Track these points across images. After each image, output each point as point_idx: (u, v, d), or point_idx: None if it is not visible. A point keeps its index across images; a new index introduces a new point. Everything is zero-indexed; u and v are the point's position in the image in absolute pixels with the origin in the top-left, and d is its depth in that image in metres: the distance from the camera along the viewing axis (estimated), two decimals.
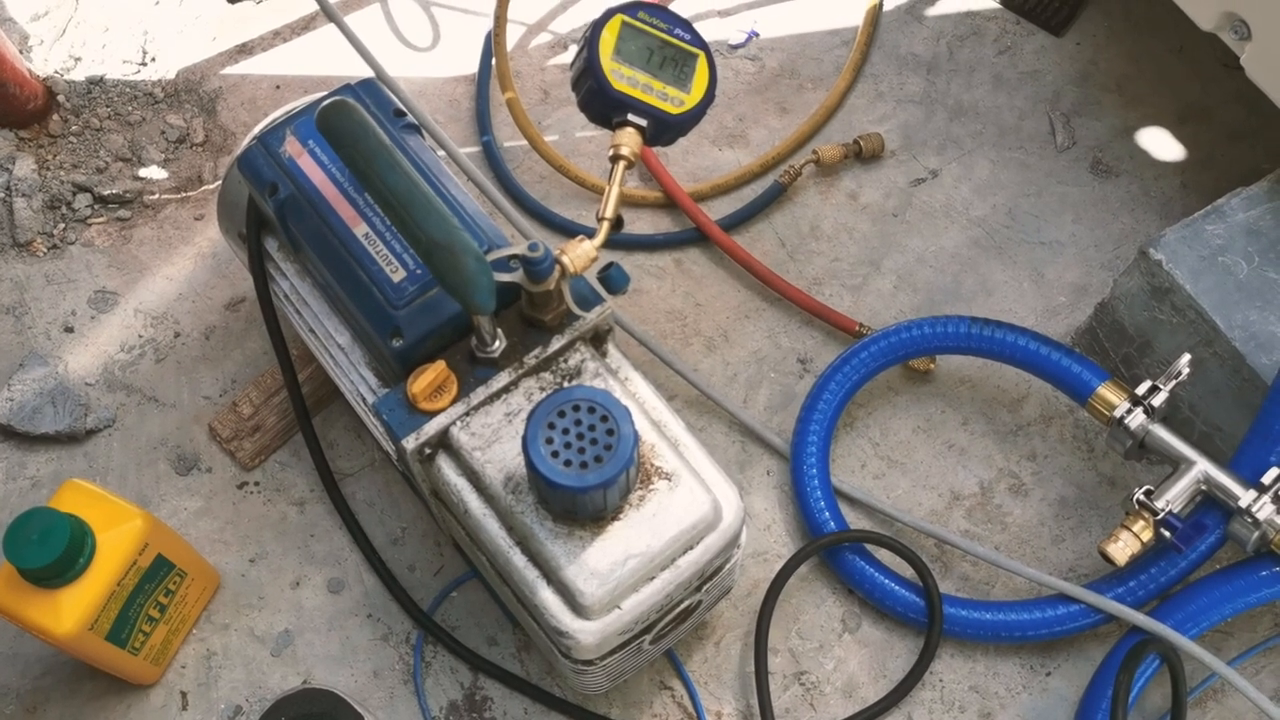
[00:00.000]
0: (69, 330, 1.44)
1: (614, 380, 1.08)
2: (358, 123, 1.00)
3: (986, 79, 1.62)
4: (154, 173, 1.56)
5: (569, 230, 1.51)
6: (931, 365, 1.39)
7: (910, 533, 1.31)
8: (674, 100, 1.13)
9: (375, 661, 1.25)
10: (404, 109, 1.20)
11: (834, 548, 1.27)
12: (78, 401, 1.37)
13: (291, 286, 1.22)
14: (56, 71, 1.62)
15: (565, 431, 0.95)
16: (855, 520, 1.32)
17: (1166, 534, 1.15)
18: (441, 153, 1.27)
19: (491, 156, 1.56)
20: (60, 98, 1.60)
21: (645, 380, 1.11)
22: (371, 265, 1.09)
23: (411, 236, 0.97)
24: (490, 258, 1.02)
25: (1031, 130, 1.59)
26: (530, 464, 0.95)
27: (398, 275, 1.09)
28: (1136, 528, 1.16)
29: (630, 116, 1.11)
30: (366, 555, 1.29)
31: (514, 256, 1.02)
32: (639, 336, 1.37)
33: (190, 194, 1.55)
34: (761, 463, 1.37)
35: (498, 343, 1.07)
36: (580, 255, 1.06)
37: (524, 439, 0.95)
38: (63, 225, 1.51)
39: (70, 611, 1.06)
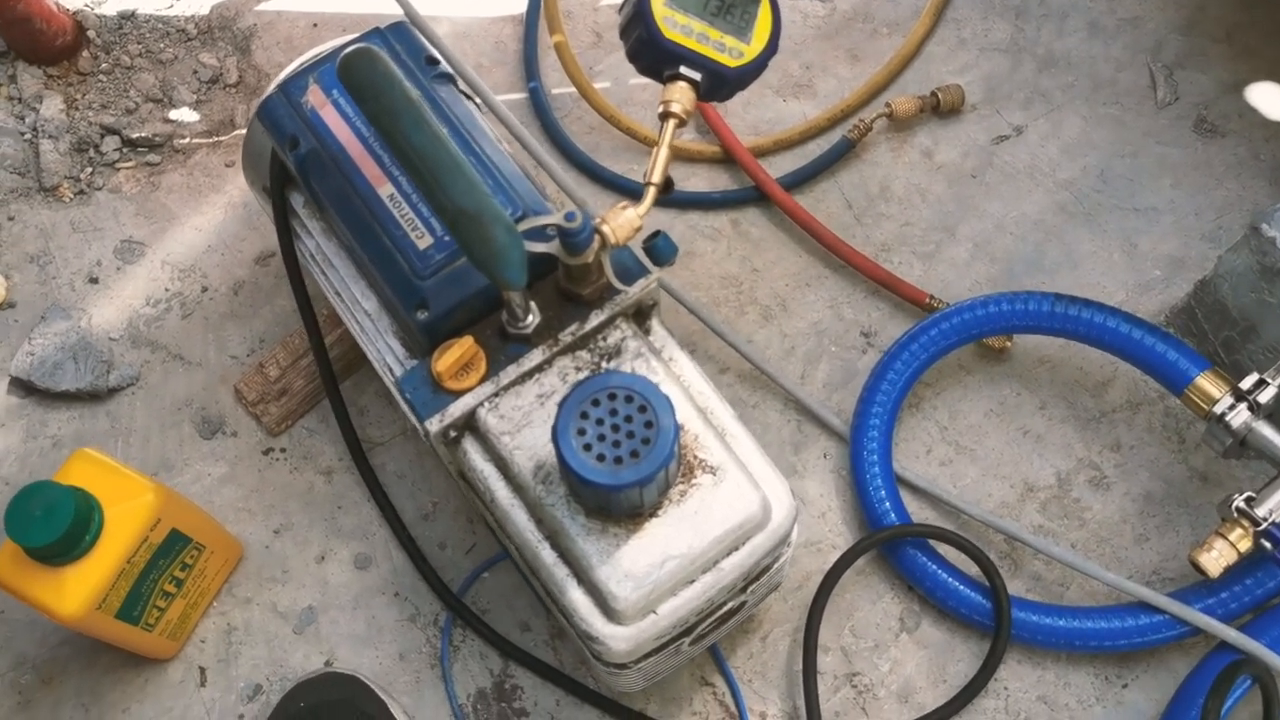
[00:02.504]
0: (94, 281, 1.38)
1: (657, 361, 0.99)
2: (382, 74, 0.90)
3: (1081, 25, 1.48)
4: (185, 115, 1.49)
5: (617, 187, 1.41)
6: (1008, 343, 1.27)
7: (977, 527, 1.21)
8: (732, 51, 1.01)
9: (402, 643, 1.19)
10: (437, 55, 1.09)
11: (893, 541, 1.17)
12: (100, 358, 1.31)
13: (317, 245, 1.13)
14: (87, 4, 1.54)
15: (600, 422, 0.86)
16: (918, 510, 1.22)
17: (1268, 545, 1.04)
18: (480, 103, 1.17)
19: (538, 104, 1.45)
20: (90, 33, 1.52)
21: (692, 361, 1.02)
22: (396, 230, 1.00)
23: (436, 202, 0.88)
24: (522, 227, 0.92)
25: (1129, 84, 1.44)
26: (561, 457, 0.86)
27: (424, 242, 1.00)
28: (1233, 536, 1.05)
29: (683, 70, 1.00)
30: (395, 531, 1.22)
31: (549, 226, 0.93)
32: (689, 304, 1.27)
33: (222, 138, 1.47)
34: (818, 444, 1.27)
35: (531, 317, 0.98)
36: (623, 225, 0.96)
37: (554, 429, 0.86)
38: (90, 169, 1.44)
39: (75, 591, 1.00)
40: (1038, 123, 1.42)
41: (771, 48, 1.03)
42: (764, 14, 1.03)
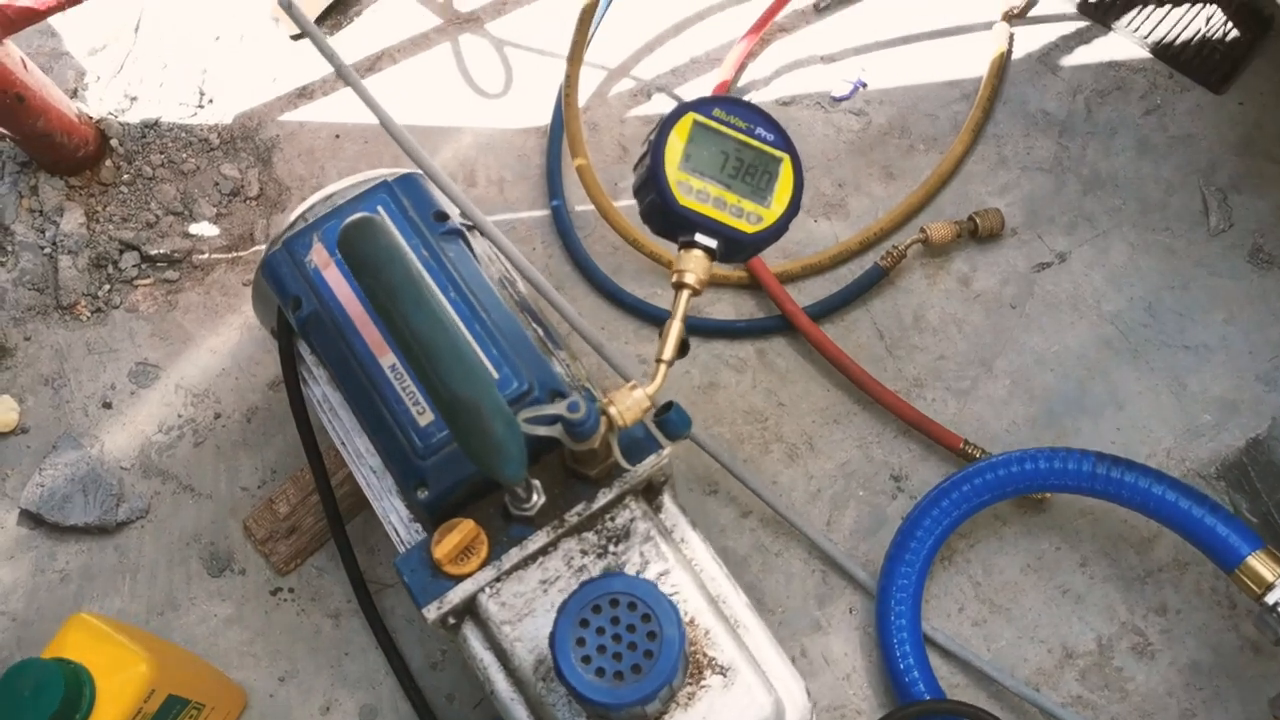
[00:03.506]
0: (107, 406, 1.36)
1: (667, 545, 0.94)
2: (383, 248, 0.86)
3: (1129, 144, 1.41)
4: (205, 229, 1.46)
5: (640, 312, 1.36)
6: (1047, 494, 1.21)
7: (1012, 696, 1.14)
8: (750, 216, 0.96)
9: None
10: (446, 211, 1.06)
11: None
12: (110, 491, 1.29)
13: (323, 394, 1.10)
14: (111, 113, 1.53)
15: (600, 631, 0.81)
16: (948, 675, 1.16)
17: None
18: (484, 241, 1.13)
19: (560, 223, 1.41)
20: (113, 142, 1.51)
21: (705, 544, 0.97)
22: (397, 405, 0.96)
23: (431, 388, 0.84)
24: (523, 417, 0.88)
25: (1180, 208, 1.37)
26: (559, 671, 0.81)
27: (425, 418, 0.96)
28: None
29: (698, 237, 0.95)
30: (401, 681, 1.18)
31: (552, 417, 0.88)
32: (710, 449, 1.22)
33: (241, 254, 1.45)
34: (844, 598, 1.21)
35: (535, 498, 0.93)
36: (631, 407, 0.91)
37: (551, 638, 0.81)
38: (108, 287, 1.43)
39: None
40: (1082, 249, 1.36)
41: (793, 209, 0.98)
42: (785, 175, 0.97)
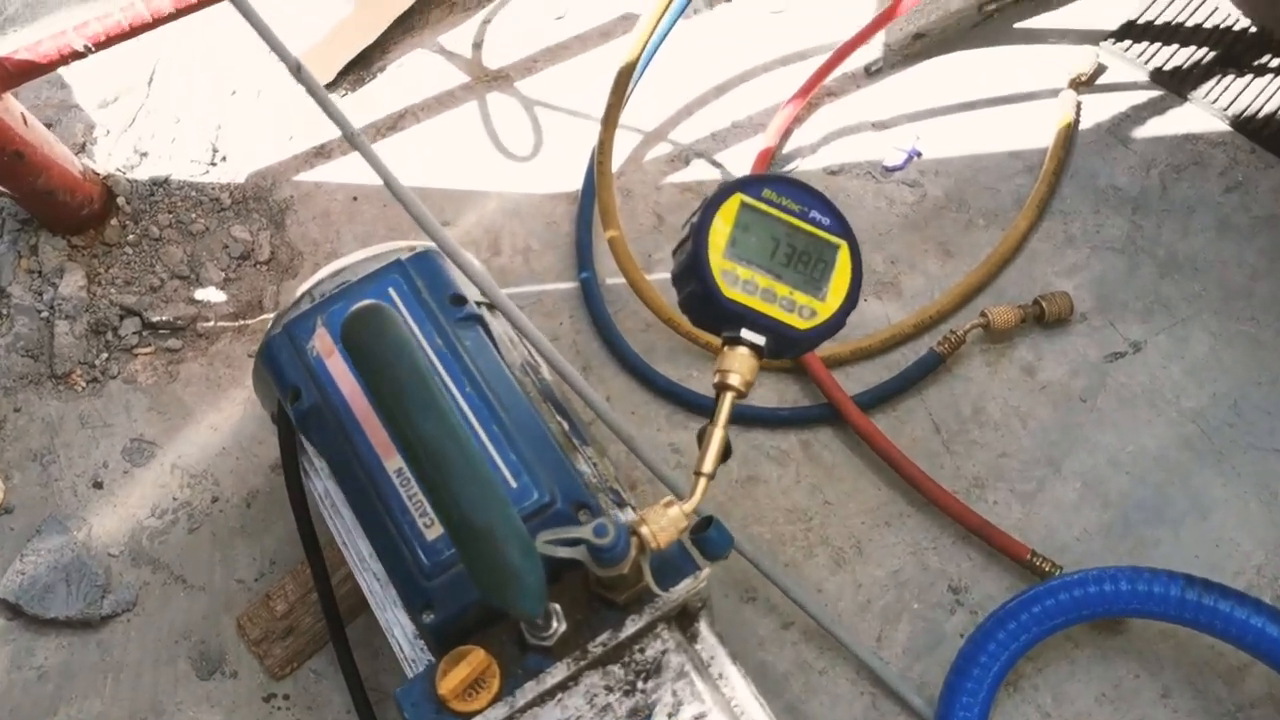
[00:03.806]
0: (98, 486, 1.26)
1: (703, 682, 0.83)
2: (390, 343, 0.77)
3: (1209, 223, 1.30)
4: (211, 294, 1.37)
5: (673, 396, 1.25)
6: None
7: None
8: (803, 310, 0.85)
9: None
10: (463, 294, 0.96)
11: None
12: (95, 581, 1.19)
13: (325, 489, 0.99)
14: (119, 169, 1.45)
15: None
16: None
17: None
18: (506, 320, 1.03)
19: (590, 296, 1.31)
20: (120, 200, 1.42)
21: (747, 680, 0.85)
22: (402, 515, 0.86)
23: (440, 506, 0.74)
24: (543, 540, 0.77)
25: (1267, 295, 1.25)
26: None
27: (432, 532, 0.85)
28: None
29: (744, 333, 0.84)
30: None
31: (576, 540, 0.78)
32: (749, 554, 1.11)
33: (248, 322, 1.35)
34: None
35: (555, 625, 0.83)
36: (666, 527, 0.80)
37: None
38: (105, 355, 1.34)
39: None
40: (1158, 338, 1.24)
41: (850, 303, 0.87)
42: (842, 263, 0.87)
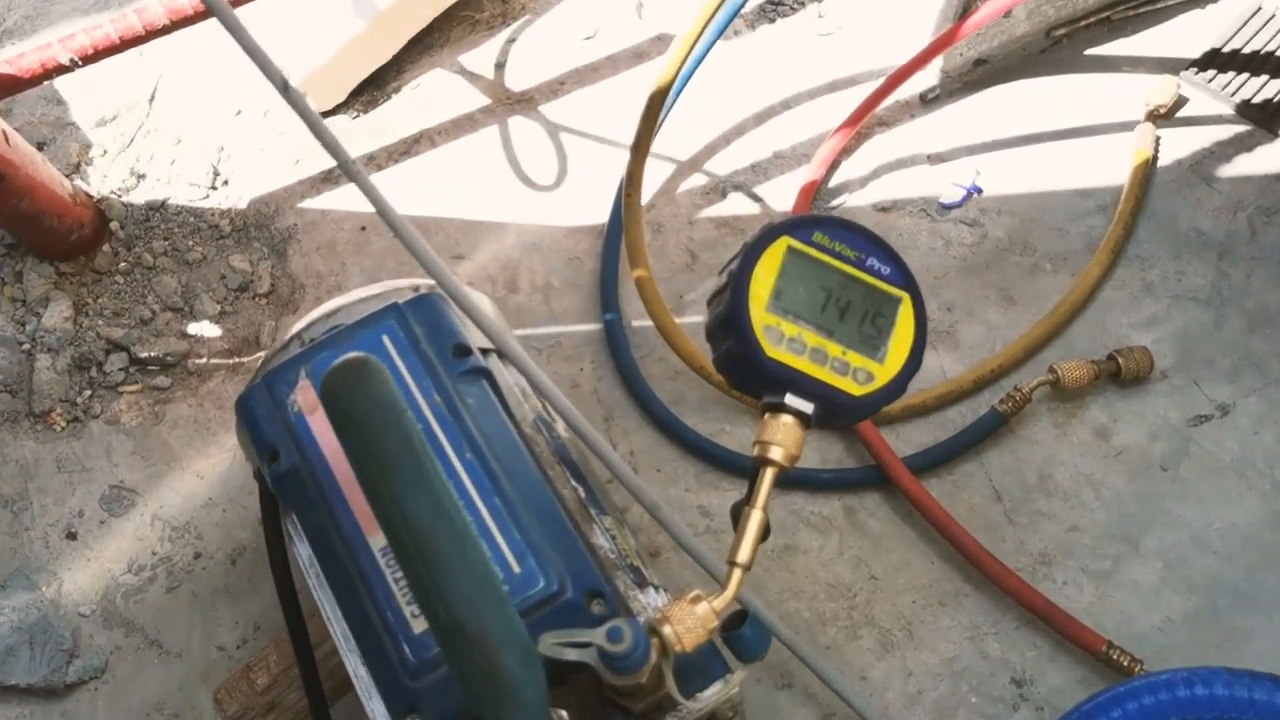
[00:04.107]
0: (71, 537, 1.15)
1: None
2: (377, 403, 0.66)
3: None
4: (205, 329, 1.27)
5: (703, 454, 1.13)
6: None
7: None
8: (858, 374, 0.73)
9: None
10: (468, 344, 0.84)
11: None
12: (61, 645, 1.08)
13: (310, 556, 0.88)
14: (114, 192, 1.35)
15: None
16: None
17: None
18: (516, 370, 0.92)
19: (614, 340, 1.20)
20: (114, 225, 1.33)
21: None
22: (386, 602, 0.74)
23: (425, 601, 0.62)
24: (548, 643, 0.65)
25: None
26: None
27: (420, 624, 0.73)
28: None
29: (790, 399, 0.72)
30: None
31: (586, 643, 0.66)
32: (783, 636, 0.98)
33: (243, 359, 1.25)
34: None
35: None
36: (694, 628, 0.69)
37: None
38: (88, 392, 1.23)
39: None
40: (1248, 401, 1.11)
41: (913, 364, 0.74)
42: (904, 319, 0.75)
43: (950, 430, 1.12)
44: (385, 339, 0.82)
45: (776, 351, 0.72)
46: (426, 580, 0.62)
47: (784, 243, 0.73)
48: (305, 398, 0.81)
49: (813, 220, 0.75)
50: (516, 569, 0.73)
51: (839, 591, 1.07)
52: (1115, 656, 0.98)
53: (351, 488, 0.78)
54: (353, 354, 0.67)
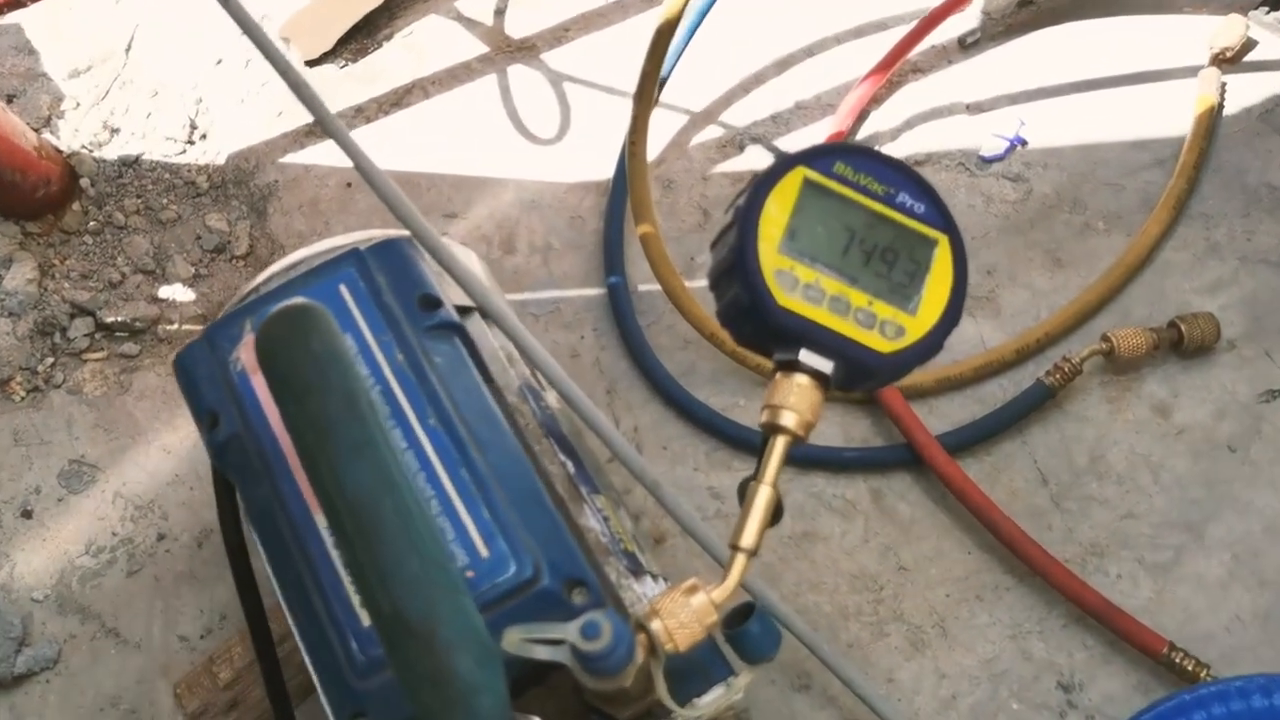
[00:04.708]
0: (27, 515, 1.06)
1: None
2: (316, 357, 0.56)
3: None
4: (178, 292, 1.18)
5: (714, 430, 1.03)
6: None
7: None
8: (886, 326, 0.62)
9: None
10: (437, 294, 0.73)
11: None
12: (10, 632, 0.99)
13: (262, 549, 0.78)
14: (85, 146, 1.26)
15: None
16: None
17: None
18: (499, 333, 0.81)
19: (618, 306, 1.09)
20: (84, 181, 1.23)
21: None
22: (332, 590, 0.64)
23: (366, 591, 0.52)
24: (513, 639, 0.55)
25: None
26: None
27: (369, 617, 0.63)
28: None
29: (804, 356, 0.61)
30: None
31: (557, 641, 0.55)
32: (799, 631, 0.87)
33: None
34: None
35: None
36: (688, 622, 0.58)
37: None
38: (51, 360, 1.14)
39: None
40: None
41: (952, 316, 0.63)
42: (940, 263, 0.63)
43: (990, 406, 1.01)
44: (342, 288, 0.72)
45: (790, 300, 0.60)
46: (367, 564, 0.52)
47: (800, 174, 0.62)
48: (249, 354, 0.71)
49: (834, 149, 0.63)
50: (484, 552, 0.63)
51: (864, 583, 0.96)
52: (1178, 660, 0.87)
53: (297, 462, 0.67)
54: (293, 300, 0.57)
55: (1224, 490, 0.96)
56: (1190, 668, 0.86)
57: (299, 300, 0.57)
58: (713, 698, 0.62)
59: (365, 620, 0.63)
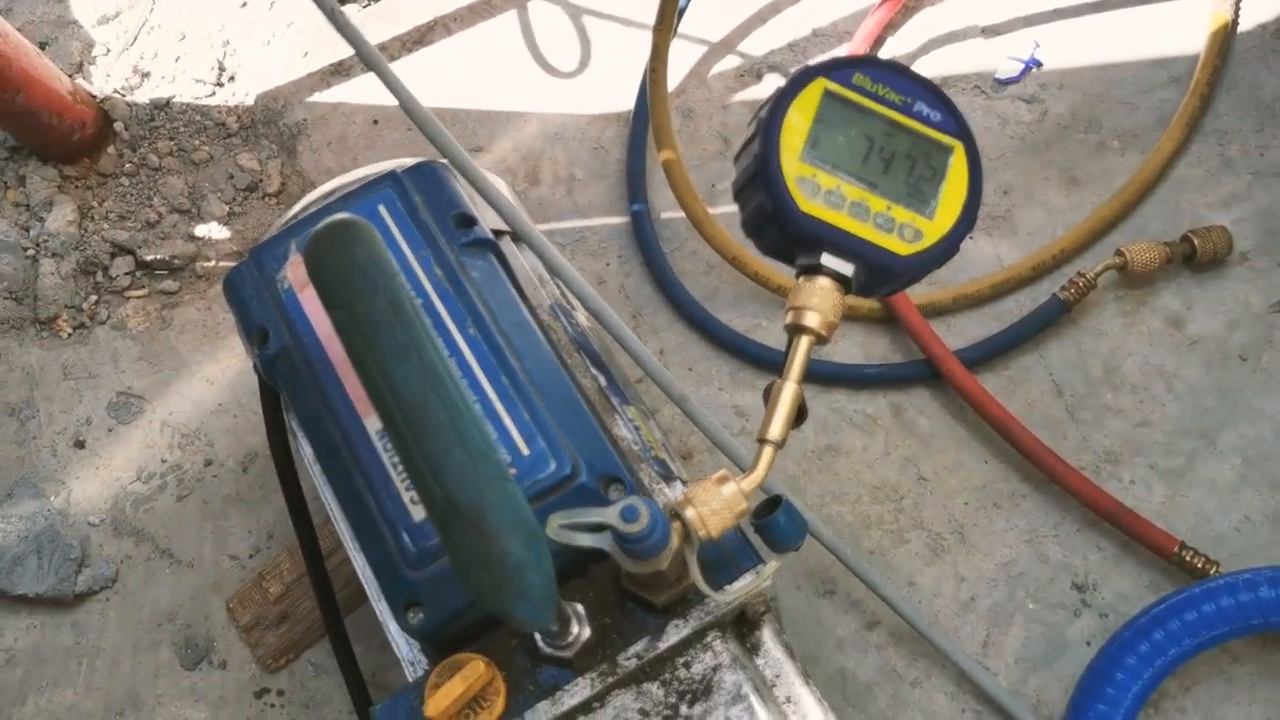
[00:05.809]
0: (79, 445, 1.11)
1: (766, 709, 0.64)
2: (362, 266, 0.59)
3: None
4: (213, 230, 1.21)
5: (738, 351, 1.06)
6: None
7: None
8: (904, 230, 0.65)
9: None
10: (472, 213, 0.77)
11: None
12: (69, 554, 1.04)
13: (314, 455, 0.82)
14: (117, 91, 1.29)
15: None
16: None
17: None
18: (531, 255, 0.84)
19: (641, 234, 1.12)
20: (118, 125, 1.26)
21: (822, 706, 0.66)
22: (384, 489, 0.68)
23: (419, 481, 0.55)
24: (556, 524, 0.59)
25: None
26: None
27: (420, 511, 0.67)
28: None
29: (826, 260, 0.64)
30: None
31: (598, 525, 0.59)
32: (826, 539, 0.91)
33: None
34: None
35: (575, 629, 0.64)
36: (719, 510, 0.62)
37: None
38: (94, 298, 1.18)
39: None
40: None
41: (966, 222, 0.66)
42: (956, 170, 0.66)
43: (1006, 322, 1.04)
44: (381, 208, 0.75)
45: (811, 205, 0.64)
46: (418, 456, 0.56)
47: (820, 85, 0.65)
48: (295, 273, 0.74)
49: (853, 61, 0.66)
50: (525, 451, 0.67)
51: (885, 494, 0.99)
52: (1189, 558, 0.90)
53: (346, 368, 0.71)
54: (338, 215, 0.60)
55: (1236, 398, 0.98)
56: (1200, 565, 0.89)
57: (343, 215, 0.60)
58: (743, 584, 0.66)
59: (416, 515, 0.67)
